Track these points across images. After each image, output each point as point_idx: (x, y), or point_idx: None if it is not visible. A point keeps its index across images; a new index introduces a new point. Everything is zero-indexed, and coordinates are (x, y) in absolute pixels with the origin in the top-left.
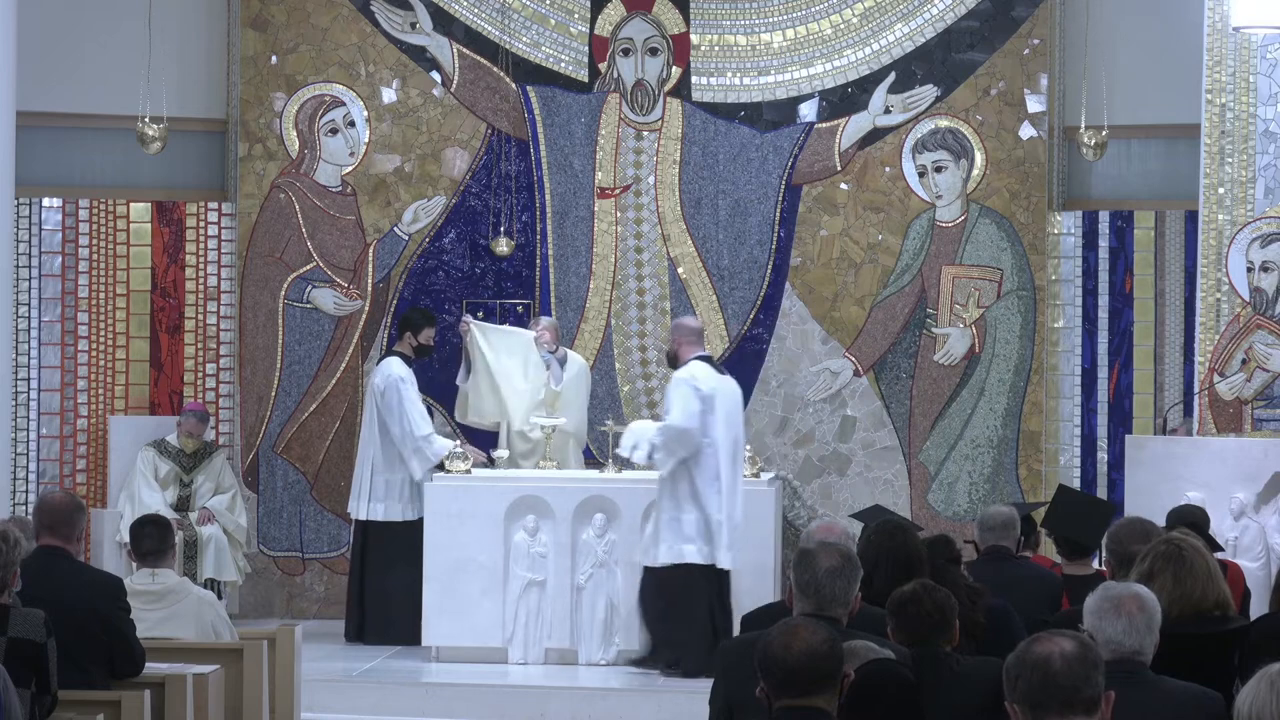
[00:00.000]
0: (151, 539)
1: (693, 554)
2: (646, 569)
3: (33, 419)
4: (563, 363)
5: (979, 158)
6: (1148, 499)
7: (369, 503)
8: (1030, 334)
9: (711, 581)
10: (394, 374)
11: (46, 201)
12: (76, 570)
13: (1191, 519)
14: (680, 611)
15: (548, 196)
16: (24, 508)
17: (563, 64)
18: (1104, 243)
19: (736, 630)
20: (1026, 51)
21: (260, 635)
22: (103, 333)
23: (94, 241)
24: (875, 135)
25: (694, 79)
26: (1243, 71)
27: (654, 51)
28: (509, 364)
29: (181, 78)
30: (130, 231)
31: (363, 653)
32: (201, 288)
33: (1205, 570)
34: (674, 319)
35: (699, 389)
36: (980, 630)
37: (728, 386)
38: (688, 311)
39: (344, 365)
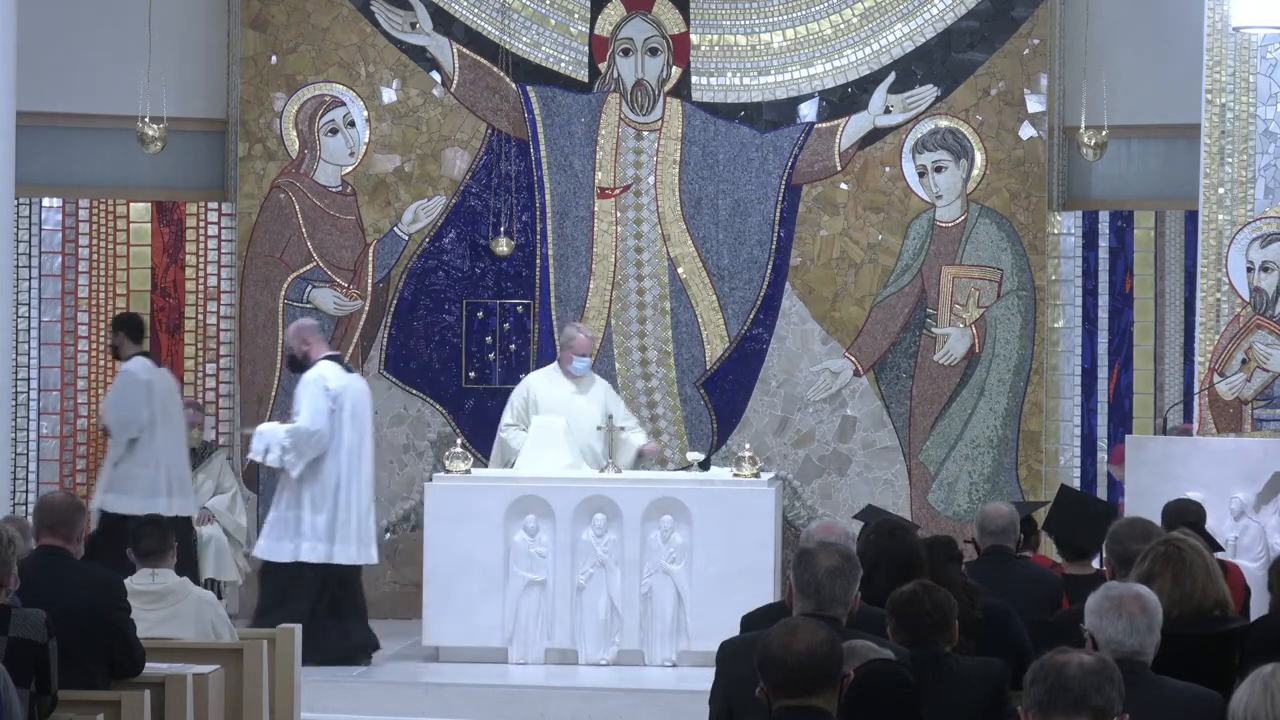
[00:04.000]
0: (151, 539)
1: (309, 552)
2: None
3: (33, 419)
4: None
5: (979, 158)
6: (1148, 499)
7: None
8: (1030, 334)
9: (331, 576)
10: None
11: (46, 201)
12: (76, 570)
13: (1187, 513)
14: (292, 605)
15: (548, 196)
16: (24, 508)
17: (563, 64)
18: (1104, 243)
19: (731, 630)
20: (1026, 51)
21: (260, 635)
22: (103, 333)
23: (94, 241)
24: (875, 135)
25: (694, 79)
26: (1243, 71)
27: (654, 51)
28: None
29: (181, 78)
30: (130, 231)
31: None
32: (201, 288)
33: (1205, 570)
34: (299, 320)
35: (328, 388)
36: (978, 628)
37: (355, 385)
38: (687, 311)
39: None
